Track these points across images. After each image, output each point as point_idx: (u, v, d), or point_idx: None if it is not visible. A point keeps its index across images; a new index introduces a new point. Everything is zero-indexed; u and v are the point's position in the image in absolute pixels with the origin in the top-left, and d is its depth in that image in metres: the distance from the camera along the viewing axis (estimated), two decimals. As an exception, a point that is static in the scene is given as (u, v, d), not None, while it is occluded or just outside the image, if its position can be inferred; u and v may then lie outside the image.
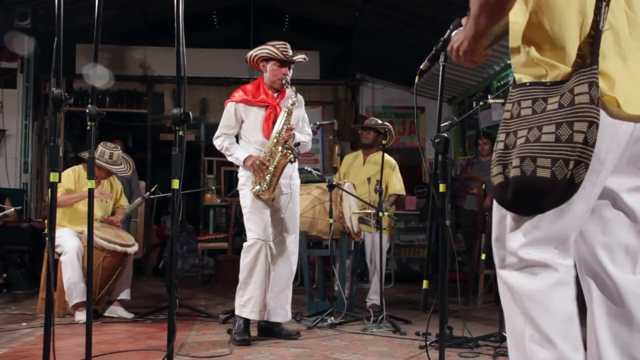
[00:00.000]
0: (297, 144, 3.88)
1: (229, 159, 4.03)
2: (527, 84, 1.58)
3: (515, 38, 1.62)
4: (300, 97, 4.01)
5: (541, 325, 1.52)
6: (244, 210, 3.94)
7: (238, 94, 3.99)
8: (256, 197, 3.86)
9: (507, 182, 1.56)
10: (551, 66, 1.54)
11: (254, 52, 3.98)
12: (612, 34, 1.54)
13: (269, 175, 3.82)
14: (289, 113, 3.88)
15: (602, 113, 1.49)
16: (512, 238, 1.59)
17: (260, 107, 3.94)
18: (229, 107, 3.99)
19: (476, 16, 1.62)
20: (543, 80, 1.55)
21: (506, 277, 1.60)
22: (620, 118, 1.52)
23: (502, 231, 1.63)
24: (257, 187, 3.84)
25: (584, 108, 1.46)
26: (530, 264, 1.55)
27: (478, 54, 1.76)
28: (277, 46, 3.93)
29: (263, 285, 3.81)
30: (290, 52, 3.96)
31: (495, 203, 1.65)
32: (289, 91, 3.97)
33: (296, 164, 4.07)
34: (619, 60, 1.54)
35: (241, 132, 4.02)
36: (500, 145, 1.60)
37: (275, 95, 3.98)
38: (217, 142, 4.00)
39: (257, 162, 3.81)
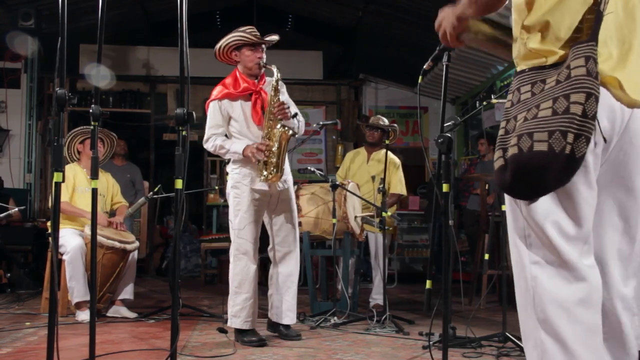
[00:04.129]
0: (295, 115, 3.66)
1: (226, 156, 3.80)
2: (527, 70, 1.57)
3: (516, 25, 1.62)
4: (278, 73, 3.76)
5: (563, 334, 1.47)
6: (237, 213, 3.72)
7: (218, 91, 3.79)
8: (255, 196, 3.70)
9: (506, 164, 1.51)
10: (551, 52, 1.53)
11: (223, 43, 3.76)
12: (617, 19, 1.53)
13: (274, 157, 3.63)
14: (276, 90, 3.71)
15: (606, 93, 1.47)
16: (538, 232, 1.53)
17: (244, 98, 3.75)
18: (213, 106, 3.78)
19: (466, 4, 1.67)
20: (542, 64, 1.54)
21: (535, 274, 1.53)
22: (620, 100, 1.50)
23: (522, 225, 1.57)
24: (265, 173, 3.64)
25: (580, 80, 1.41)
26: (563, 262, 1.49)
27: (454, 35, 1.78)
28: (245, 30, 3.73)
29: (255, 295, 3.73)
30: (258, 34, 3.76)
31: (506, 198, 1.61)
32: (268, 76, 3.80)
33: (287, 162, 3.88)
34: (620, 47, 1.53)
35: (231, 129, 3.81)
36: (501, 132, 1.57)
37: (256, 81, 3.78)
38: (209, 144, 3.78)
39: (257, 148, 3.60)
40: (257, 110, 3.74)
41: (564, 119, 1.41)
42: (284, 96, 3.86)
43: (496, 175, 1.55)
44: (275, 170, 3.65)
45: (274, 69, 3.73)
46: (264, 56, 3.79)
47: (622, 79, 1.48)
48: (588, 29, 1.49)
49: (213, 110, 3.79)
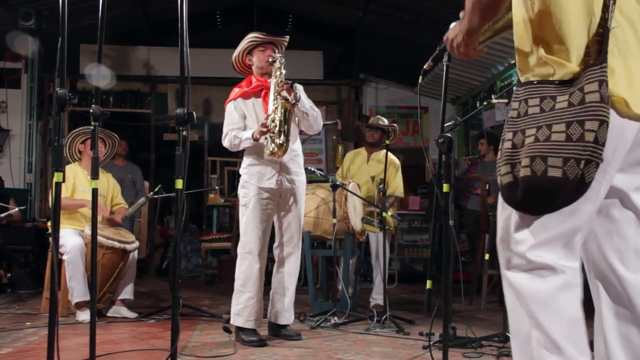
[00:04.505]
0: (292, 83, 3.66)
1: (241, 146, 3.81)
2: (535, 82, 1.56)
3: (519, 37, 1.61)
4: (282, 57, 3.81)
5: (547, 329, 1.50)
6: (244, 212, 3.77)
7: (234, 93, 3.93)
8: (262, 195, 3.74)
9: (516, 182, 1.54)
10: (559, 65, 1.53)
11: (237, 51, 3.92)
12: (621, 32, 1.53)
13: (276, 127, 3.62)
14: (279, 72, 3.73)
15: (611, 112, 1.48)
16: (518, 238, 1.58)
17: (256, 95, 3.85)
18: (229, 107, 3.92)
19: (469, 13, 1.65)
20: (551, 79, 1.54)
21: (512, 279, 1.59)
22: (627, 117, 1.51)
23: (507, 231, 1.62)
24: (272, 145, 3.63)
25: (594, 107, 1.44)
26: (537, 266, 1.54)
27: (472, 49, 1.78)
28: (253, 33, 3.88)
29: (258, 295, 3.75)
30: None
31: (500, 203, 1.64)
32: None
33: (301, 162, 3.95)
34: (626, 59, 1.53)
35: (249, 126, 3.87)
36: (507, 145, 1.58)
37: (269, 79, 3.84)
38: (225, 141, 3.86)
39: (261, 126, 3.64)
40: (266, 101, 3.80)
41: (578, 147, 1.45)
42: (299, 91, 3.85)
43: (505, 190, 1.59)
44: (280, 141, 3.62)
45: (278, 54, 3.80)
46: (275, 55, 3.84)
47: (628, 96, 1.50)
48: (594, 43, 1.50)
49: (229, 111, 3.91)
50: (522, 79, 1.61)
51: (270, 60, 3.80)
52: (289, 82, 3.69)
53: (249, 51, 3.91)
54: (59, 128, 2.27)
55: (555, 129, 1.48)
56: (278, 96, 3.69)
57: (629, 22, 1.55)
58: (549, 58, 1.55)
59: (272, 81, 3.77)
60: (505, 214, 1.62)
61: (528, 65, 1.60)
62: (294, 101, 3.65)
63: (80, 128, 4.98)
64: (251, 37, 3.88)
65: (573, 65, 1.51)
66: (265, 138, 3.68)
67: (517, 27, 1.62)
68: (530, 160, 1.50)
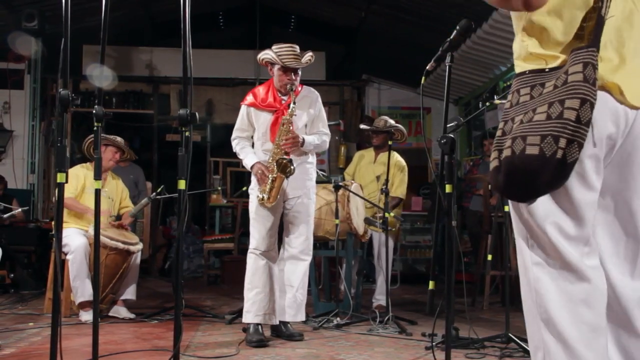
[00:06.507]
0: (290, 161, 3.77)
1: (242, 161, 4.04)
2: (527, 72, 1.57)
3: (517, 30, 1.62)
4: (314, 94, 4.03)
5: (565, 334, 1.47)
6: (250, 215, 3.95)
7: (249, 97, 3.99)
8: (260, 205, 3.86)
9: (500, 165, 1.52)
10: (552, 57, 1.53)
11: (261, 55, 3.97)
12: (615, 23, 1.53)
13: (268, 186, 3.80)
14: (289, 123, 3.82)
15: (607, 97, 1.47)
16: (540, 234, 1.53)
17: (268, 112, 3.92)
18: (242, 109, 4.01)
19: None
20: (542, 68, 1.54)
21: (537, 276, 1.54)
22: (623, 104, 1.50)
23: (524, 227, 1.58)
24: (260, 196, 3.82)
25: (576, 86, 1.42)
26: (563, 263, 1.50)
27: None
28: (281, 52, 3.85)
29: (266, 289, 3.79)
30: (297, 52, 3.89)
31: (510, 200, 1.62)
32: (299, 93, 3.95)
33: (314, 161, 4.04)
34: (621, 52, 1.52)
35: (254, 135, 4.02)
36: (498, 133, 1.58)
37: (284, 99, 3.92)
38: (233, 144, 4.03)
39: (260, 172, 3.80)
40: (275, 130, 3.89)
41: (557, 124, 1.42)
42: (313, 112, 4.01)
43: (491, 175, 1.57)
44: (268, 197, 3.80)
45: (292, 105, 3.82)
46: (296, 80, 3.90)
47: (622, 84, 1.49)
48: (589, 33, 1.49)
49: (241, 114, 4.03)
50: (517, 71, 1.61)
51: (288, 87, 3.85)
52: (296, 145, 3.82)
53: (272, 62, 3.93)
54: (62, 129, 2.27)
55: (539, 110, 1.47)
56: (282, 150, 3.79)
57: (623, 15, 1.55)
58: (540, 53, 1.54)
59: (282, 123, 3.81)
60: (519, 210, 1.59)
61: (522, 57, 1.60)
62: (289, 175, 3.75)
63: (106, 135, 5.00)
64: (273, 55, 3.85)
65: (565, 56, 1.51)
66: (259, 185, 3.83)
67: (516, 20, 1.62)
68: (512, 141, 1.49)
